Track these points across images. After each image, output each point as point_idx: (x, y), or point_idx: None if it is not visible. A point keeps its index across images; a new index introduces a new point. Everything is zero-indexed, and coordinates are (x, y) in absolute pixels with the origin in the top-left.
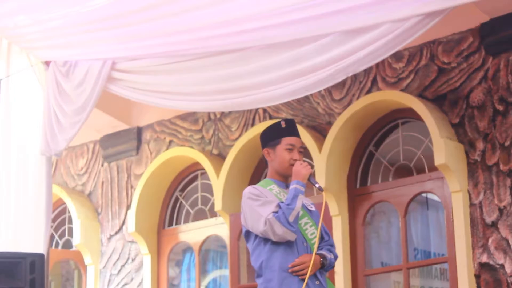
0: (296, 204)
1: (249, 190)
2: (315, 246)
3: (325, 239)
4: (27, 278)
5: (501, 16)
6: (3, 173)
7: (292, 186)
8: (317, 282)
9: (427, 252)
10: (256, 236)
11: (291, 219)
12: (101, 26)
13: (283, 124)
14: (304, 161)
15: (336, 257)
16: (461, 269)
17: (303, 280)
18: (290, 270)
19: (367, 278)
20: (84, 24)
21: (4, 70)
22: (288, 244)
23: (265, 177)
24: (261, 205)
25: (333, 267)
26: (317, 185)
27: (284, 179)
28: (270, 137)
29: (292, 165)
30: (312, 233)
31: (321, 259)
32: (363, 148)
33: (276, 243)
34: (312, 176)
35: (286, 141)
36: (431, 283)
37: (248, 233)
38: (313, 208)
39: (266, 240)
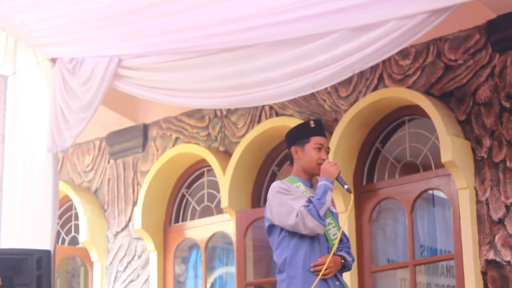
0: (326, 199)
1: (278, 184)
2: (334, 248)
3: (344, 241)
4: (34, 275)
5: (507, 13)
6: (10, 170)
7: (321, 182)
8: (337, 283)
9: (434, 249)
10: (281, 231)
11: (321, 213)
12: (107, 23)
13: (312, 124)
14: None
15: (353, 259)
16: (468, 266)
17: (325, 280)
18: (312, 270)
19: (374, 275)
20: (90, 21)
21: (11, 67)
22: (311, 242)
23: (273, 174)
24: (293, 199)
25: (350, 269)
26: (345, 186)
27: (310, 177)
28: (298, 136)
29: (320, 164)
30: (334, 234)
31: (342, 261)
32: (369, 145)
33: (301, 241)
34: (340, 176)
35: (315, 140)
36: (438, 280)
37: (272, 227)
38: (334, 210)
39: (291, 236)
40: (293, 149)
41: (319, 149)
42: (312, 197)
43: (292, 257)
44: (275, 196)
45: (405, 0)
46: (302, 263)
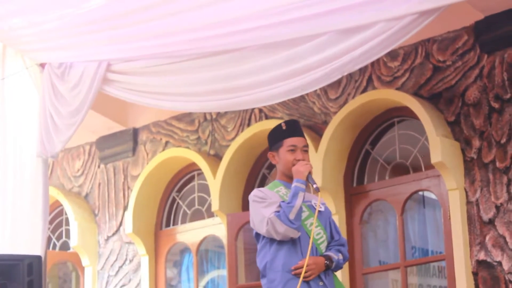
0: (296, 201)
1: (254, 193)
2: (308, 249)
3: (335, 238)
4: (25, 280)
5: (495, 14)
6: (0, 175)
7: (293, 184)
8: (320, 283)
9: (425, 250)
10: (263, 237)
11: (291, 216)
12: (96, 28)
13: (284, 126)
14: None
15: (346, 257)
16: (459, 266)
17: (306, 282)
18: (293, 273)
19: (365, 277)
20: (78, 26)
21: None
22: (292, 244)
23: (264, 177)
24: (265, 207)
25: (340, 267)
26: (314, 186)
27: (291, 180)
28: (273, 140)
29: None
30: (318, 233)
31: (326, 261)
32: (359, 147)
33: (280, 244)
34: (310, 175)
35: (288, 142)
36: (429, 281)
37: (257, 235)
38: (322, 209)
39: (271, 241)
40: (269, 154)
41: (293, 150)
42: (283, 201)
43: (272, 261)
44: (251, 205)
45: (393, 2)
46: (282, 266)
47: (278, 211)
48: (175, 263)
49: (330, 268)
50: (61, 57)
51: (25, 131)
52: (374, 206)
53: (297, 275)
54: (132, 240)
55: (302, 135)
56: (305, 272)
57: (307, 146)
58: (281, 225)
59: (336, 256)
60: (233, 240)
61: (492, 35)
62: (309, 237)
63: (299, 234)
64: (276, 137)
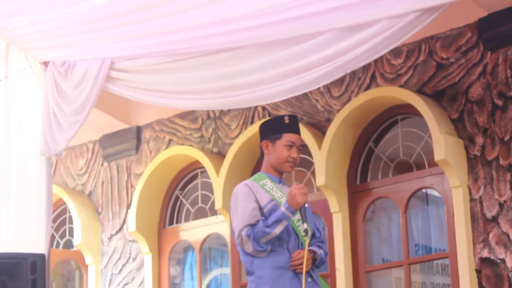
0: (275, 229)
1: (239, 188)
2: (306, 243)
3: (316, 235)
4: (29, 279)
5: (498, 11)
6: (3, 174)
7: (282, 208)
8: (309, 279)
9: (428, 247)
10: None
11: (263, 241)
12: (99, 26)
13: (286, 120)
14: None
15: (326, 253)
16: (462, 264)
17: (297, 276)
18: (290, 264)
19: (368, 275)
20: (82, 24)
21: (3, 71)
22: (278, 240)
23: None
24: (243, 212)
25: (323, 263)
26: (304, 225)
27: (279, 174)
28: (271, 130)
29: (289, 162)
30: (303, 229)
31: (312, 254)
32: (362, 144)
33: None
34: (304, 209)
35: (287, 137)
36: (433, 279)
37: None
38: (306, 205)
39: None
40: (263, 143)
41: (290, 146)
42: (264, 219)
43: (259, 257)
44: (234, 201)
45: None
46: (271, 263)
47: (254, 225)
48: (179, 261)
49: (316, 261)
50: (64, 55)
51: (29, 130)
52: (378, 204)
53: (293, 267)
54: (135, 238)
55: (300, 133)
56: (299, 265)
57: (302, 145)
58: (250, 247)
59: (318, 251)
60: None
61: (496, 32)
62: (296, 233)
63: (264, 255)
64: (275, 129)
